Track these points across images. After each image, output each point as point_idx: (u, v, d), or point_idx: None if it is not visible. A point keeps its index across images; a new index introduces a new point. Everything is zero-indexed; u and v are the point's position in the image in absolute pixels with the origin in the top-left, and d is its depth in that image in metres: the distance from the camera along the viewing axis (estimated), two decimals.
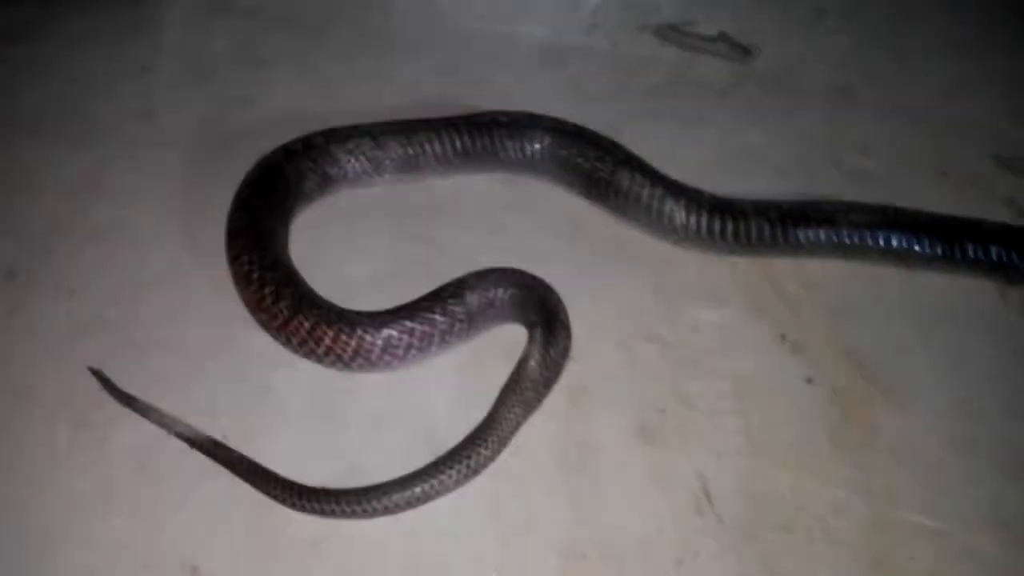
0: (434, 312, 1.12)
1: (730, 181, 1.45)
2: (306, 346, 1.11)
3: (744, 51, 1.73)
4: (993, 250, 1.29)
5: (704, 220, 1.29)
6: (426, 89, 1.62)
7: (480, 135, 1.38)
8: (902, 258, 1.30)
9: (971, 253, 1.29)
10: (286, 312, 1.11)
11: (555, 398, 1.13)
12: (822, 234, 1.29)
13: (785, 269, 1.32)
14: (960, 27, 1.84)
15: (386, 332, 1.09)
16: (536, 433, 1.09)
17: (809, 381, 1.18)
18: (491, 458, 1.04)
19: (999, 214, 1.43)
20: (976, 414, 1.15)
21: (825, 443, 1.11)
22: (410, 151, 1.37)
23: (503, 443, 1.05)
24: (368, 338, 1.09)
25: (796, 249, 1.30)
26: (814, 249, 1.30)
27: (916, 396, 1.17)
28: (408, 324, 1.11)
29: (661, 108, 1.62)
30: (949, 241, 1.29)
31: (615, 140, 1.40)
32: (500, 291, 1.17)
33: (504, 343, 1.19)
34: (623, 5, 1.85)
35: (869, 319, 1.26)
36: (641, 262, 1.33)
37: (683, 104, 1.63)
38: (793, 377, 1.18)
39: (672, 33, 1.77)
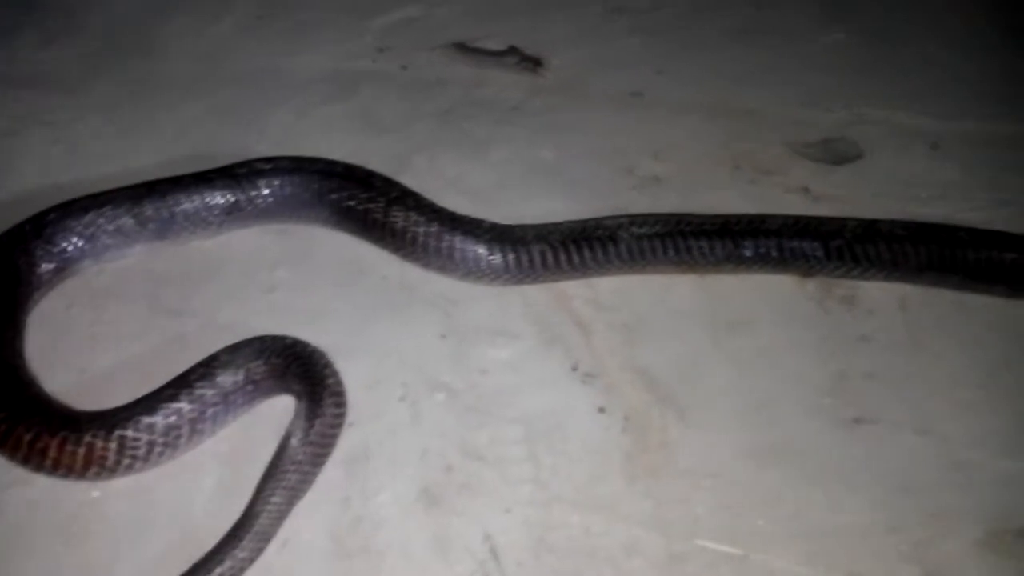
0: (178, 400, 1.01)
1: (522, 202, 1.40)
2: (32, 460, 0.98)
3: (535, 62, 1.67)
4: (783, 244, 1.27)
5: (485, 252, 1.22)
6: (196, 138, 1.49)
7: (239, 187, 1.27)
8: (691, 265, 1.26)
9: (759, 250, 1.26)
10: (3, 424, 0.97)
11: (330, 472, 1.04)
12: (607, 251, 1.23)
13: (577, 292, 1.26)
14: (752, 15, 1.84)
15: (119, 434, 0.97)
16: (307, 517, 0.99)
17: (601, 411, 1.12)
18: (250, 560, 0.93)
19: (794, 203, 1.42)
20: (772, 420, 1.12)
21: (618, 476, 1.05)
22: (163, 214, 1.24)
23: (265, 539, 0.95)
24: (99, 443, 0.96)
25: (584, 270, 1.24)
26: (602, 268, 1.25)
27: (711, 410, 1.12)
28: (147, 420, 0.99)
29: (452, 131, 1.54)
30: (735, 241, 1.26)
31: (389, 177, 1.31)
32: (258, 363, 1.06)
33: (276, 418, 1.08)
34: (412, 26, 1.77)
35: (662, 333, 1.21)
36: (428, 304, 1.24)
37: (474, 125, 1.56)
38: (585, 409, 1.12)
39: (462, 50, 1.70)
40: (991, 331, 1.22)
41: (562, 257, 1.23)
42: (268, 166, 1.29)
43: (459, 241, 1.22)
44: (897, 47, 1.76)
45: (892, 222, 1.29)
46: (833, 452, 1.09)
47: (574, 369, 1.17)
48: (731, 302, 1.26)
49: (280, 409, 1.09)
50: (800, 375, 1.17)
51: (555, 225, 1.26)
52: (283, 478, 0.98)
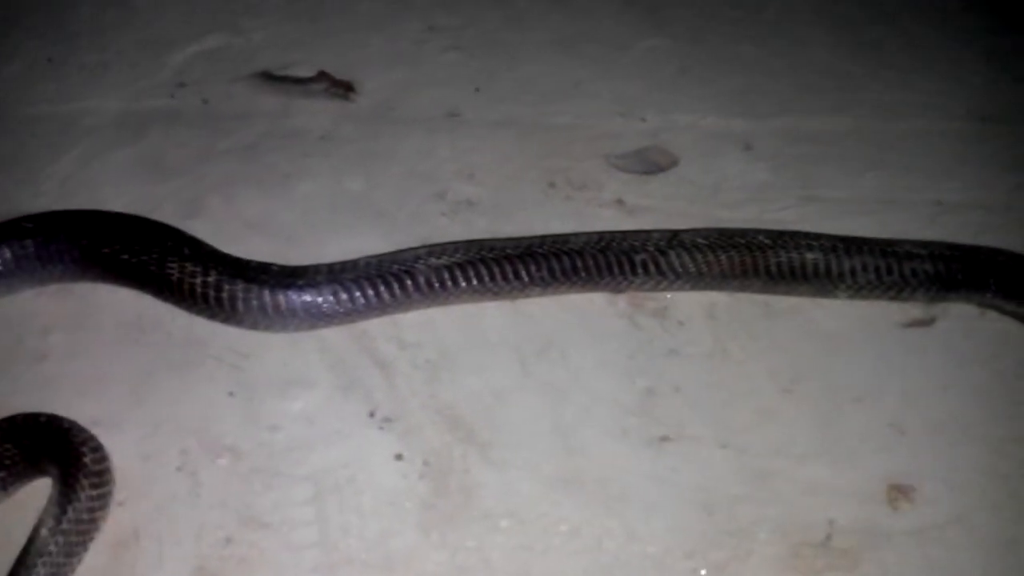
0: None
1: (328, 239, 1.33)
2: None
3: (346, 87, 1.60)
4: (588, 262, 1.24)
5: (270, 299, 1.14)
6: None
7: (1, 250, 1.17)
8: (495, 292, 1.21)
9: (565, 271, 1.23)
10: None
11: (93, 559, 0.94)
12: (405, 286, 1.18)
13: (379, 331, 1.20)
14: (567, 25, 1.81)
15: None
16: None
17: (399, 457, 1.06)
18: None
19: (609, 218, 1.39)
20: (577, 448, 1.08)
21: (413, 528, 0.99)
22: None
23: None
24: None
25: (382, 308, 1.18)
26: (401, 304, 1.19)
27: (516, 444, 1.08)
28: None
29: (254, 167, 1.45)
30: (539, 264, 1.22)
31: (167, 224, 1.22)
32: (7, 447, 0.96)
33: (42, 502, 0.99)
34: (214, 57, 1.67)
35: (469, 367, 1.16)
36: (216, 360, 1.16)
37: (279, 159, 1.47)
38: (382, 458, 1.06)
39: (268, 80, 1.62)
40: (793, 335, 1.22)
41: (357, 296, 1.16)
42: (31, 224, 1.18)
43: (241, 289, 1.14)
44: (712, 49, 1.76)
45: (695, 231, 1.28)
46: (636, 475, 1.06)
47: (371, 415, 1.11)
48: (541, 326, 1.23)
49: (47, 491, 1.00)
50: (608, 396, 1.15)
51: (350, 263, 1.20)
52: (32, 574, 0.88)
